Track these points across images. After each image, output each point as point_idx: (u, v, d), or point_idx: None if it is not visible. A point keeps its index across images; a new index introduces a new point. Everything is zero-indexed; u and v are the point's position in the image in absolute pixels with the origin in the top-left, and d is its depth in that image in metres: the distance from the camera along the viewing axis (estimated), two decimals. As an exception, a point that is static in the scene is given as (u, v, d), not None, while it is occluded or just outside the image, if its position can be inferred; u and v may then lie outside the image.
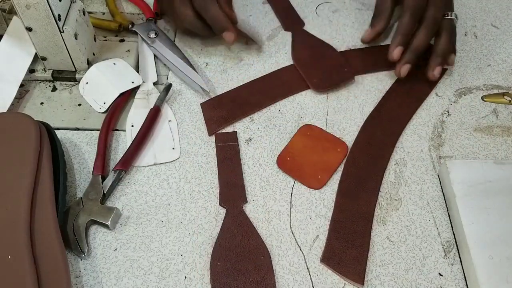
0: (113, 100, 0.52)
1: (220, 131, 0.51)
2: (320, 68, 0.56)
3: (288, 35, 0.62)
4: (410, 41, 0.53)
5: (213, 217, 0.45)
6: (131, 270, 0.42)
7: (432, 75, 0.54)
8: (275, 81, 0.56)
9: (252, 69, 0.58)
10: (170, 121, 0.52)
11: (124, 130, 0.51)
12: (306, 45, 0.59)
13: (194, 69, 0.55)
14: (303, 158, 0.49)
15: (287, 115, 0.53)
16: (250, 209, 0.45)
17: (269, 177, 0.48)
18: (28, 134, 0.44)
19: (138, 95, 0.54)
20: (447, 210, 0.45)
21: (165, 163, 0.49)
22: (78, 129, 0.51)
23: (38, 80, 0.55)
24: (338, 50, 0.59)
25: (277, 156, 0.49)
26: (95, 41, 0.56)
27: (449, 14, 0.54)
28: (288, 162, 0.48)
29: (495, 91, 0.55)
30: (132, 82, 0.53)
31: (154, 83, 0.55)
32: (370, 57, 0.59)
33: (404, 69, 0.53)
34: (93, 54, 0.56)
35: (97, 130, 0.51)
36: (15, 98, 0.52)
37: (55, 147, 0.46)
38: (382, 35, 0.59)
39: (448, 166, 0.46)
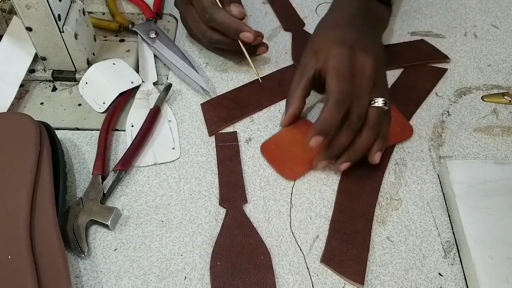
0: (112, 100, 0.52)
1: (220, 131, 0.51)
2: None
3: (288, 35, 0.61)
4: (355, 141, 0.45)
5: (213, 217, 0.45)
6: (131, 270, 0.42)
7: (372, 159, 0.46)
8: (275, 81, 0.56)
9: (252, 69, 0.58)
10: (170, 121, 0.52)
11: (124, 130, 0.51)
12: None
13: (194, 69, 0.55)
14: (287, 148, 0.49)
15: (287, 115, 0.53)
16: (250, 209, 0.45)
17: (269, 177, 0.48)
18: (28, 134, 0.44)
19: (138, 95, 0.54)
20: (447, 210, 0.45)
21: (165, 163, 0.49)
22: (78, 129, 0.51)
23: (38, 80, 0.55)
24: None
25: (263, 142, 0.49)
26: (95, 41, 0.56)
27: (376, 100, 0.44)
28: (271, 149, 0.49)
29: (495, 91, 0.55)
30: (132, 82, 0.53)
31: (154, 83, 0.55)
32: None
33: (344, 166, 0.46)
34: (93, 54, 0.56)
35: (97, 130, 0.50)
36: (15, 98, 0.52)
37: (55, 147, 0.46)
38: None
39: (448, 166, 0.46)
